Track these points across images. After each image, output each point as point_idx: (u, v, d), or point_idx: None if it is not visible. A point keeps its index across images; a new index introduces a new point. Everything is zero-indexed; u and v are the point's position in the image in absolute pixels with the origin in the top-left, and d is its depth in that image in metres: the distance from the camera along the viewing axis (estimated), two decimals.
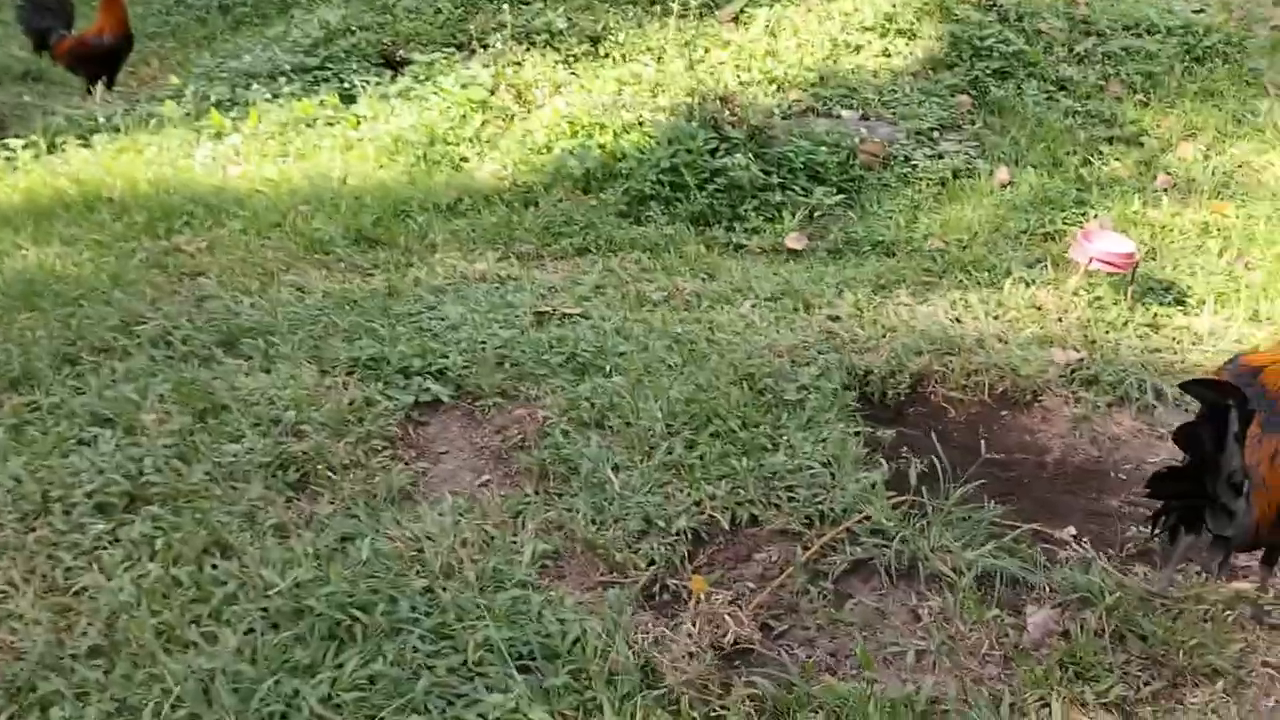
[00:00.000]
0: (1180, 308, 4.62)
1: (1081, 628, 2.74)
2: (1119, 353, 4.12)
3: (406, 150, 5.97)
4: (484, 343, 3.97)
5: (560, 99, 6.38)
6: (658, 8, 7.53)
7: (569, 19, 7.21)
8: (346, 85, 6.86)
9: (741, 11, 7.33)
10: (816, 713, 2.42)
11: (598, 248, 5.13)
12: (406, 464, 3.36)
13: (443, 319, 4.14)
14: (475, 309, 4.24)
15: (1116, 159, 5.76)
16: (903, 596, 2.95)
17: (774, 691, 2.45)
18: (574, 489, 3.22)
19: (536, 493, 3.23)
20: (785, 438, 3.48)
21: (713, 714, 2.38)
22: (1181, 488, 2.67)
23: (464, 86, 6.49)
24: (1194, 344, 4.34)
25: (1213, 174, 5.52)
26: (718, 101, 5.81)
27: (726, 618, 2.73)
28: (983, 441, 3.59)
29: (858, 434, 3.54)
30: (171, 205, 5.23)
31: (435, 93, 6.51)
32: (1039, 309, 4.52)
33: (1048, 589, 2.92)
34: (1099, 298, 4.59)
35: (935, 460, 3.28)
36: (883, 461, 3.40)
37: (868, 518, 3.12)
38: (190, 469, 3.14)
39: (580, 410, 3.57)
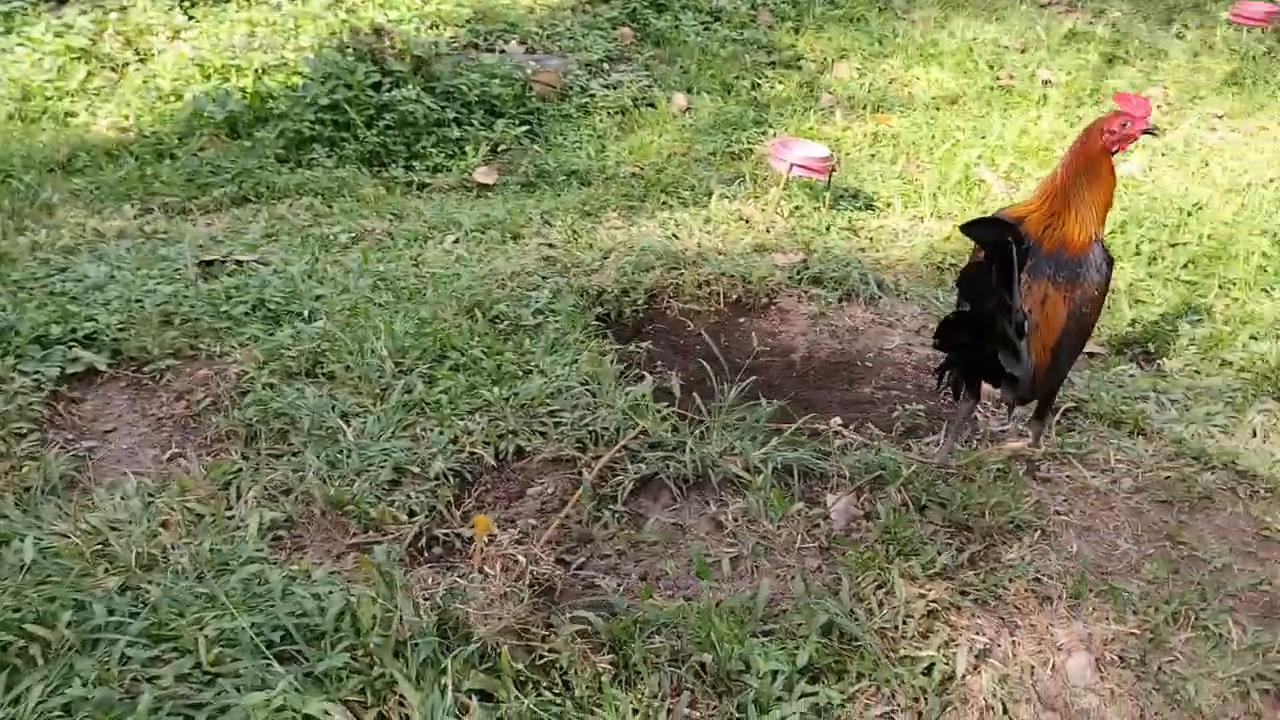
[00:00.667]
0: (871, 211, 4.70)
1: (883, 506, 2.58)
2: (833, 253, 4.08)
3: None
4: (140, 300, 3.21)
5: (183, 43, 5.50)
6: None
7: None
8: None
9: None
10: (656, 635, 2.05)
11: (258, 195, 4.42)
12: (63, 447, 2.59)
13: (80, 279, 3.32)
14: (120, 266, 3.44)
15: (780, 82, 5.84)
16: (699, 507, 2.65)
17: (604, 624, 2.05)
18: (295, 445, 2.62)
19: (246, 457, 2.60)
20: (534, 363, 3.06)
21: (541, 660, 1.94)
22: (965, 338, 2.56)
23: (58, 35, 5.41)
24: (892, 241, 4.41)
25: (869, 90, 5.73)
26: (373, 34, 5.23)
27: (520, 558, 2.28)
28: (729, 347, 3.39)
29: (606, 353, 3.20)
30: None
31: (21, 44, 5.39)
32: (746, 221, 4.40)
33: (844, 475, 2.73)
34: (798, 207, 4.56)
35: (693, 369, 3.02)
36: (645, 375, 3.08)
37: (644, 432, 2.79)
38: None
39: (283, 360, 2.95)
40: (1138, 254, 4.33)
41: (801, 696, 1.95)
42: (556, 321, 3.30)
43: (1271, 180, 4.83)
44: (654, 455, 2.74)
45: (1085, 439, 3.04)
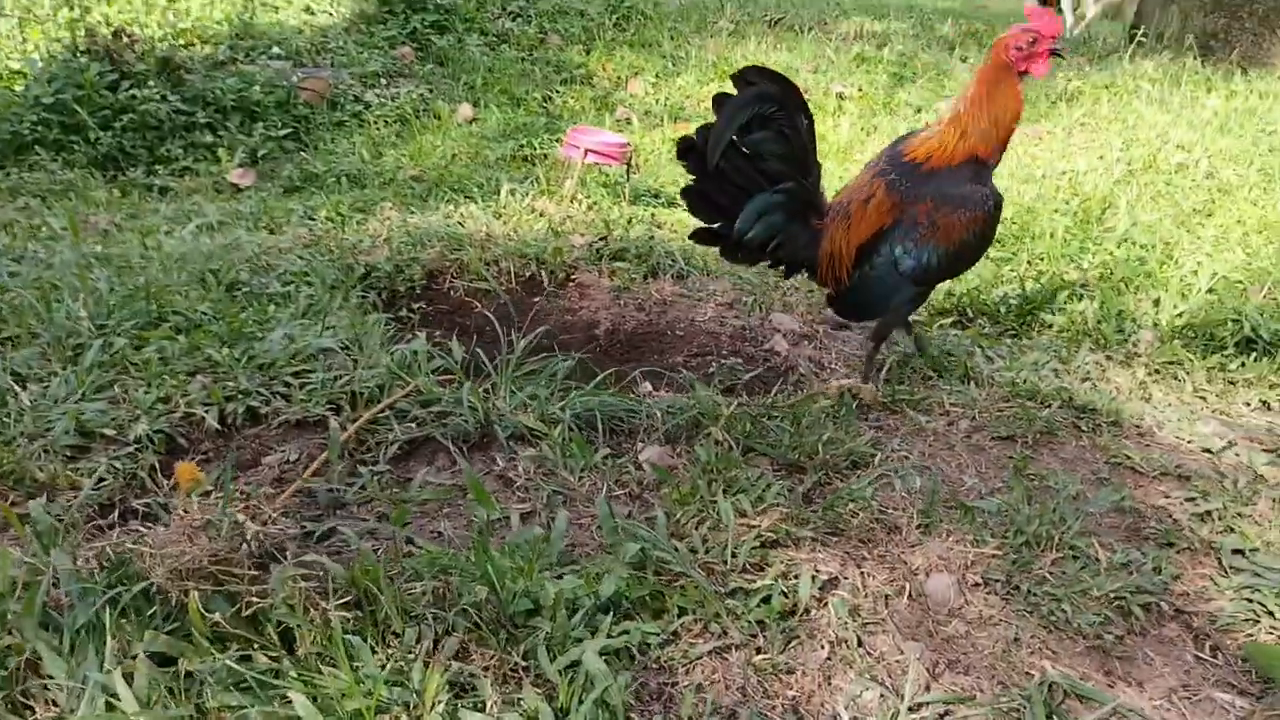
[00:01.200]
0: (674, 209, 4.41)
1: (702, 449, 2.19)
2: (636, 234, 3.74)
3: None
4: None
5: None
6: None
7: None
8: None
9: None
10: (417, 582, 1.55)
11: None
12: None
13: None
14: None
15: (573, 97, 5.56)
16: (484, 466, 2.17)
17: (342, 570, 1.54)
18: None
19: None
20: (278, 330, 2.54)
21: (249, 611, 1.41)
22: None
23: None
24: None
25: (665, 104, 5.52)
26: (112, 36, 4.64)
27: (240, 517, 1.75)
28: (523, 325, 2.96)
29: (371, 317, 2.71)
30: None
31: None
32: (541, 214, 4.02)
33: (656, 422, 2.32)
34: (596, 202, 4.22)
35: (482, 344, 2.58)
36: (420, 335, 2.60)
37: (417, 390, 2.31)
38: None
39: None
40: None
41: (610, 637, 1.49)
42: (311, 292, 2.79)
43: (1063, 172, 4.85)
44: (428, 414, 2.26)
45: (914, 388, 2.76)
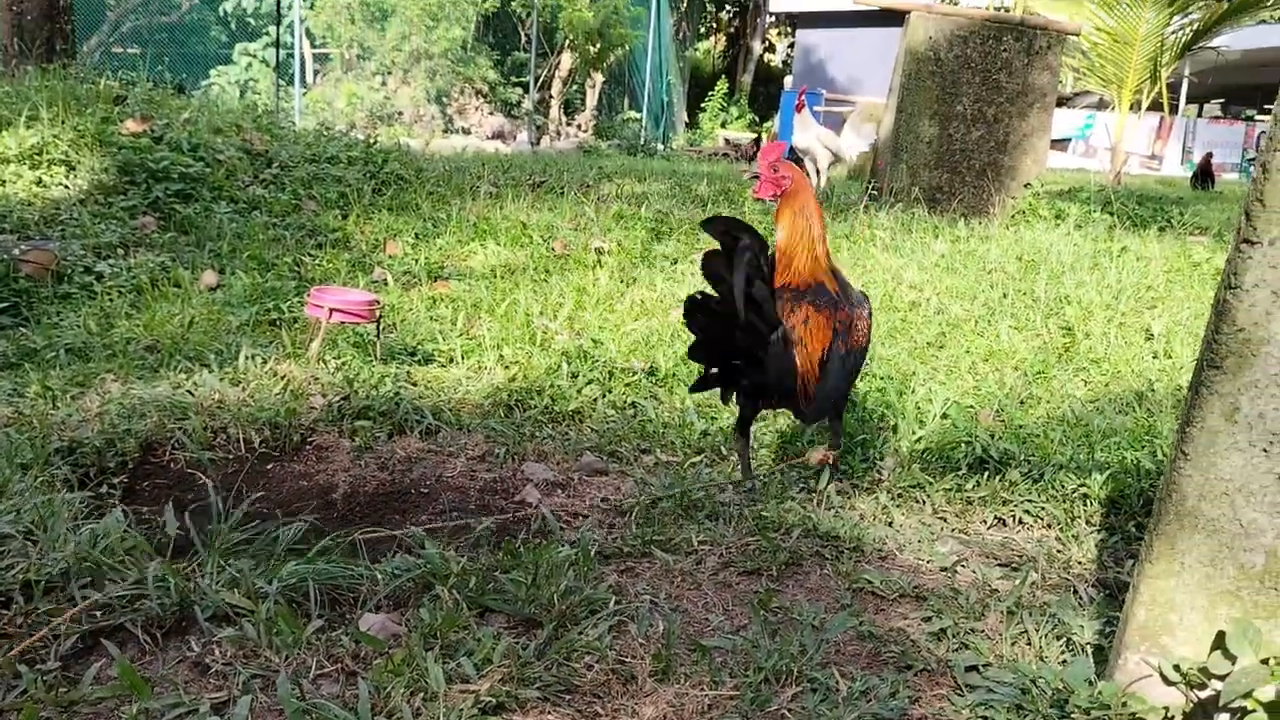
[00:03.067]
0: (430, 365, 4.31)
1: (427, 611, 2.03)
2: (383, 391, 3.60)
3: None
4: None
5: None
6: None
7: None
8: None
9: None
10: None
11: None
12: None
13: None
14: None
15: (329, 260, 5.44)
16: (178, 653, 1.94)
17: None
18: None
19: None
20: None
21: None
22: (705, 320, 2.70)
23: None
24: (453, 387, 4.02)
25: (425, 264, 5.47)
26: None
27: None
28: (247, 494, 2.74)
29: (60, 495, 2.44)
30: None
31: None
32: (283, 378, 3.83)
33: (378, 583, 2.15)
34: (346, 363, 4.06)
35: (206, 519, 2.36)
36: (121, 514, 2.35)
37: (102, 574, 2.06)
38: None
39: None
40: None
41: None
42: None
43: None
44: (116, 600, 2.01)
45: (663, 528, 2.71)
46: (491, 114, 24.07)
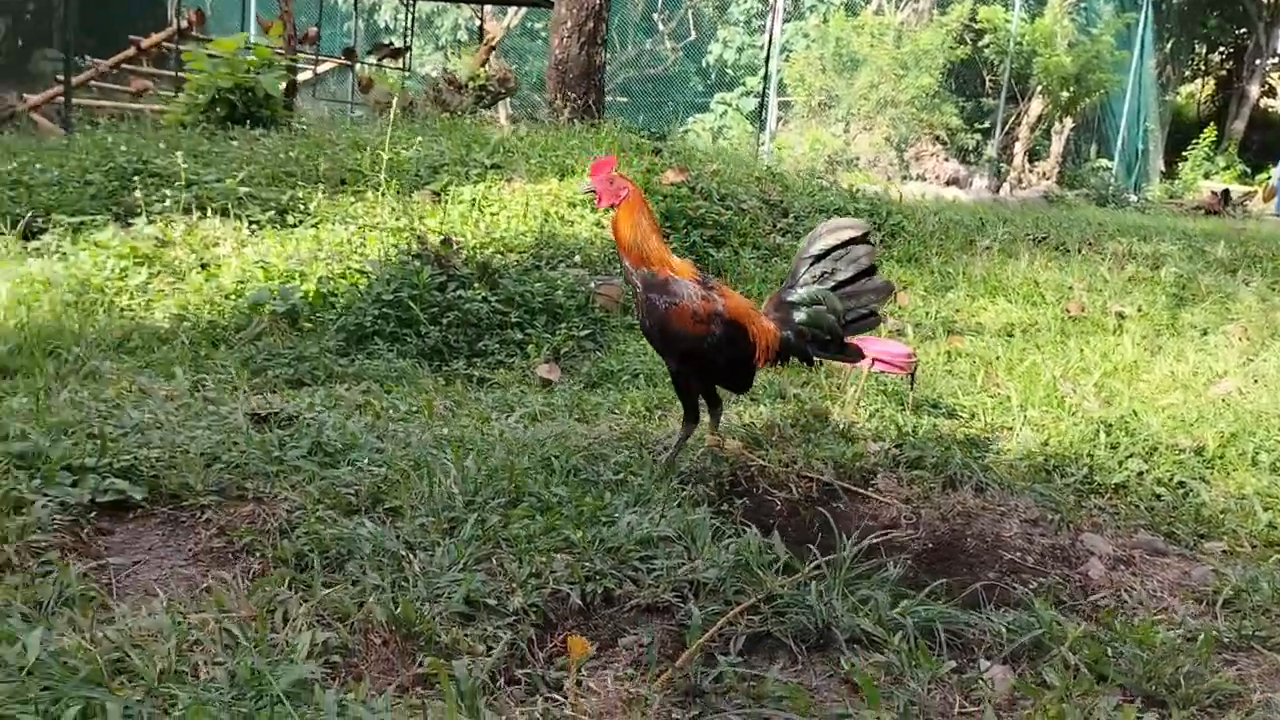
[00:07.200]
0: (954, 419, 4.42)
1: (1053, 673, 2.14)
2: (930, 444, 3.77)
3: (47, 296, 4.77)
4: (185, 444, 2.92)
5: (248, 251, 5.51)
6: (348, 188, 6.96)
7: (250, 191, 6.41)
8: None
9: (443, 189, 6.93)
10: None
11: (314, 379, 4.21)
12: (85, 571, 2.22)
13: (122, 424, 3.04)
14: (169, 415, 3.17)
15: None
16: (825, 668, 2.20)
17: None
18: (353, 573, 2.24)
19: (295, 582, 2.21)
20: (616, 516, 2.70)
21: None
22: None
23: (123, 242, 5.43)
24: (986, 445, 4.10)
25: (937, 318, 5.62)
26: (440, 244, 5.22)
27: (631, 692, 1.85)
28: (822, 524, 3.02)
29: (699, 506, 2.84)
30: None
31: (84, 249, 5.39)
32: (824, 419, 4.13)
33: (998, 636, 2.29)
34: (879, 409, 4.29)
35: (793, 534, 2.65)
36: (749, 528, 2.71)
37: (760, 587, 2.39)
38: None
39: (340, 495, 2.62)
40: (1255, 464, 4.00)
41: None
42: (639, 482, 2.96)
43: None
44: (769, 610, 2.33)
45: (1259, 623, 2.61)
46: (946, 160, 23.80)
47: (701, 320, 3.17)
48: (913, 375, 4.26)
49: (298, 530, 2.43)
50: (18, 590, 2.04)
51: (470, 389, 4.38)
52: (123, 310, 4.88)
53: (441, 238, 5.30)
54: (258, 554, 2.38)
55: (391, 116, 7.47)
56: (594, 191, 3.28)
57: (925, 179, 22.63)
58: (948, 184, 22.27)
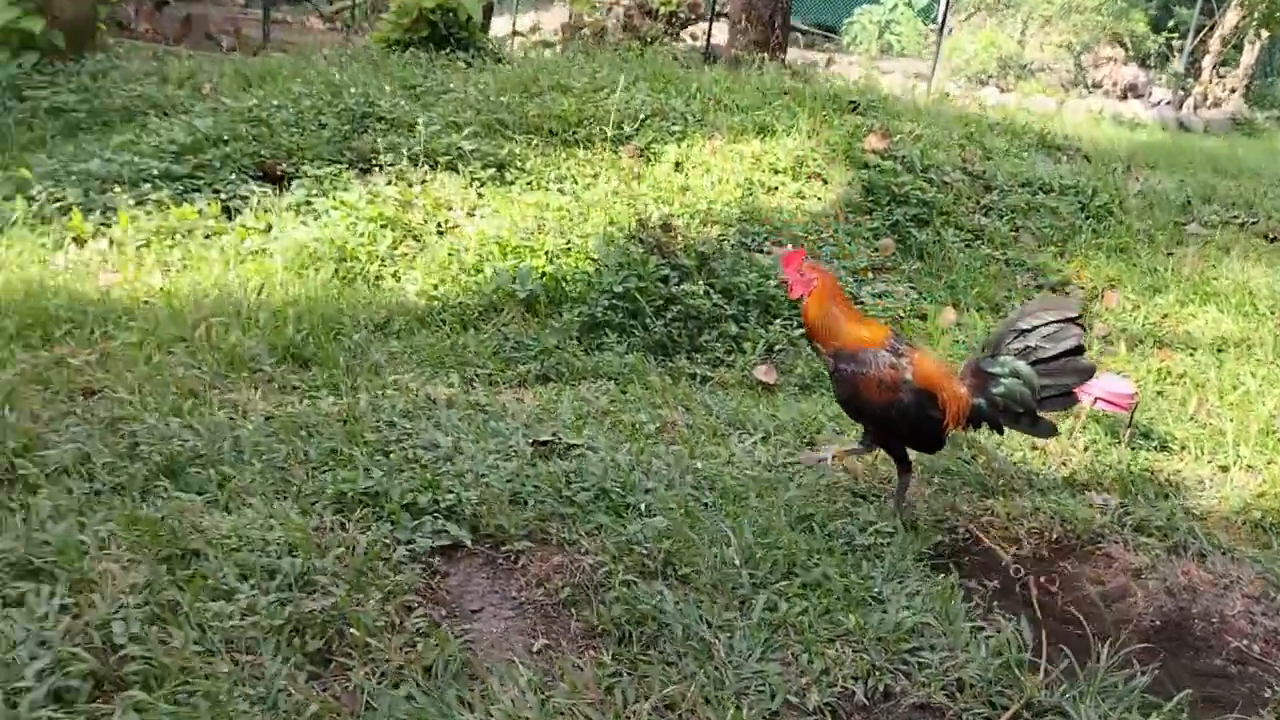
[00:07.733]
0: (1165, 453, 4.53)
1: None
2: (1150, 499, 3.92)
3: (317, 265, 5.25)
4: (487, 476, 3.32)
5: (479, 219, 5.86)
6: (558, 139, 7.22)
7: (473, 148, 6.73)
8: (224, 195, 6.06)
9: (647, 146, 7.12)
10: None
11: (558, 375, 4.58)
12: (439, 623, 2.64)
13: (428, 448, 3.46)
14: (462, 437, 3.58)
15: None
16: None
17: None
18: (668, 654, 2.60)
19: (619, 660, 2.59)
20: (877, 589, 3.00)
21: None
22: None
23: (369, 203, 5.85)
24: (1198, 489, 4.21)
25: (1144, 324, 5.63)
26: (660, 229, 5.47)
27: None
28: (1056, 594, 3.25)
29: (953, 585, 3.11)
30: (45, 312, 4.28)
31: (335, 207, 5.83)
32: (1041, 450, 4.30)
33: None
34: (1094, 441, 4.43)
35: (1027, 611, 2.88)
36: (1000, 618, 2.97)
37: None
38: (172, 636, 2.31)
39: (636, 555, 2.98)
40: None
41: None
42: (892, 546, 3.24)
43: None
44: (1028, 715, 2.61)
45: None
46: (1126, 64, 22.52)
47: (889, 388, 3.33)
48: (1132, 414, 4.37)
49: (610, 594, 2.80)
50: (404, 654, 2.46)
51: (695, 389, 4.69)
52: (376, 281, 5.32)
53: (661, 222, 5.54)
54: (574, 612, 2.77)
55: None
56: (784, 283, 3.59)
57: (1101, 87, 21.57)
58: (1124, 94, 21.18)
